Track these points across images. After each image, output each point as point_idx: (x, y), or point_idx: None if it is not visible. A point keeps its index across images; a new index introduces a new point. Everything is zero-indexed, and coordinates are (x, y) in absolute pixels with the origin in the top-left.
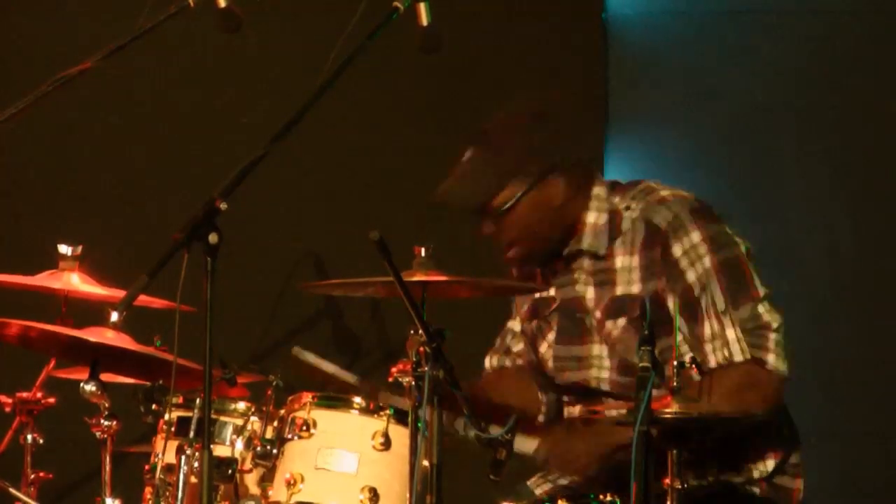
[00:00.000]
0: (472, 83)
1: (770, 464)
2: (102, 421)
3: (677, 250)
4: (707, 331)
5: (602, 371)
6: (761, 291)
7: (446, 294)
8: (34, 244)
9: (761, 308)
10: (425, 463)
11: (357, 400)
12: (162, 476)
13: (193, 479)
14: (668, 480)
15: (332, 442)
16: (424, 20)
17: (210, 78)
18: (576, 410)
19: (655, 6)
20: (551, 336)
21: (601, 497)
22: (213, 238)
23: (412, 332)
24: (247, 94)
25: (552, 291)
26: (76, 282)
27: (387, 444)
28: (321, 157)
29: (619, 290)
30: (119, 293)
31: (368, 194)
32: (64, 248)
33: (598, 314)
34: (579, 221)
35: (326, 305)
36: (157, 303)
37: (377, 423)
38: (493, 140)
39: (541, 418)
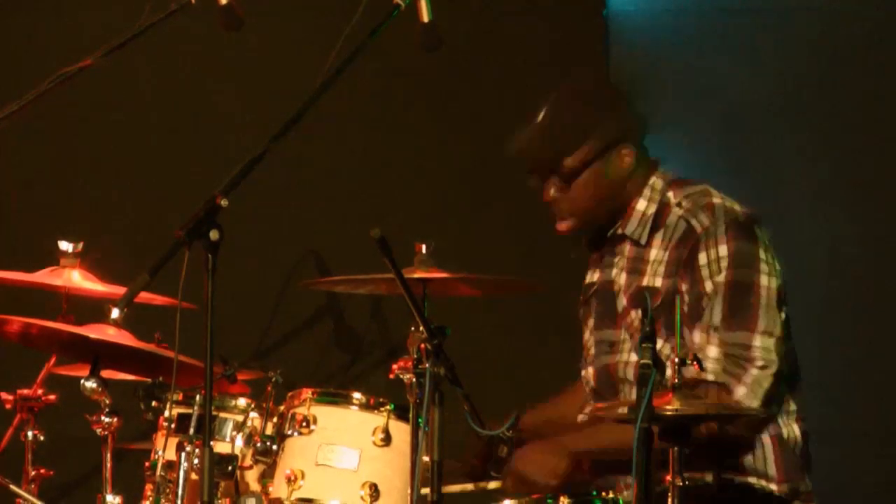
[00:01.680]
0: (473, 80)
1: (773, 486)
2: (103, 418)
3: (702, 258)
4: (696, 339)
5: (625, 355)
6: (762, 326)
7: (447, 291)
8: (35, 241)
9: (757, 342)
10: (426, 459)
11: (357, 395)
12: (162, 473)
13: (194, 476)
14: (668, 478)
15: (333, 438)
16: (425, 17)
17: (211, 75)
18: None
19: (656, 3)
20: (591, 321)
21: (604, 494)
22: (214, 235)
23: (413, 329)
24: (248, 92)
25: (595, 276)
26: (77, 279)
27: (387, 440)
28: (322, 155)
29: (646, 281)
30: (120, 290)
31: (369, 192)
32: (65, 245)
33: (624, 301)
34: (629, 205)
35: (327, 302)
36: (158, 300)
37: (377, 419)
38: (571, 99)
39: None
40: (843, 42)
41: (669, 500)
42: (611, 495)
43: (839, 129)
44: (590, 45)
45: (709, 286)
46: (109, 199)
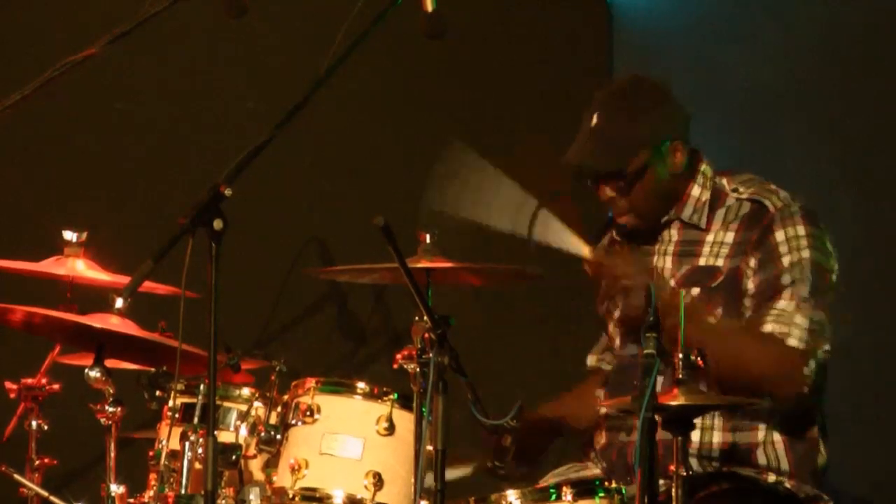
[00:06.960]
0: (477, 69)
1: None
2: (107, 407)
3: (780, 236)
4: (780, 305)
5: None
6: (830, 312)
7: (451, 280)
8: (39, 230)
9: (829, 325)
10: (430, 448)
11: (360, 385)
12: (166, 462)
13: (198, 465)
14: (672, 467)
15: (337, 427)
16: (429, 7)
17: (215, 63)
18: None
19: None
20: (618, 313)
21: (606, 484)
22: (217, 224)
23: (417, 318)
24: (252, 80)
25: None
26: (81, 268)
27: (391, 429)
28: (326, 143)
29: (702, 261)
30: (124, 279)
31: (373, 180)
32: (69, 234)
33: (672, 284)
34: (685, 192)
35: (331, 291)
36: (162, 289)
37: (381, 408)
38: (617, 108)
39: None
40: (850, 27)
41: (674, 490)
42: (613, 485)
43: (846, 114)
44: (594, 32)
45: (786, 260)
46: (113, 189)
